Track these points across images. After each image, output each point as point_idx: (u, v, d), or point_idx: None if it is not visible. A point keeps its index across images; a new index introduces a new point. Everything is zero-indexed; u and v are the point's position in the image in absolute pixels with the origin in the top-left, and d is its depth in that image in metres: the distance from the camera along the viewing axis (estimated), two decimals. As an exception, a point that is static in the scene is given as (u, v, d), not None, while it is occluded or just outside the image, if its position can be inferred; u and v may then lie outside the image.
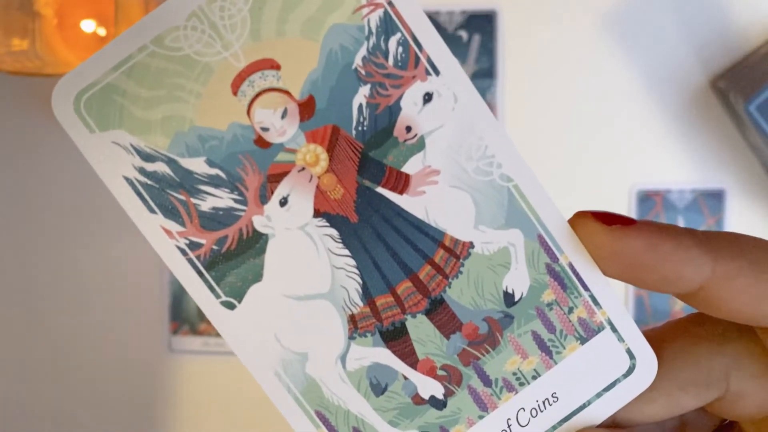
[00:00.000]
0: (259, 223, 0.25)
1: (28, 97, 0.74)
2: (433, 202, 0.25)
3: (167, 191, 0.24)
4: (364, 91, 0.25)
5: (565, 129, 0.70)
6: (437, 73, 0.25)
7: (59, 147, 0.74)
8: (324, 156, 0.25)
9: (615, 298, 0.26)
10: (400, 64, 0.25)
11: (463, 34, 0.70)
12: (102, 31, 0.67)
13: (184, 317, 0.74)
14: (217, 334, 0.73)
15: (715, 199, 0.69)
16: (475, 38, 0.70)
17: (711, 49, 0.69)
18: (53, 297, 0.75)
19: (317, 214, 0.25)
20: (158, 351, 0.75)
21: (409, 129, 0.25)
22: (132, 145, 0.24)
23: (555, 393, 0.26)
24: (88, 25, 0.66)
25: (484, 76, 0.70)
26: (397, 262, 0.25)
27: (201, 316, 0.74)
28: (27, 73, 0.64)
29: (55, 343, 0.76)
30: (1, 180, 0.75)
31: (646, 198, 0.69)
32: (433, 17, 0.70)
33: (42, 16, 0.62)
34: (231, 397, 0.75)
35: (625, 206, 0.70)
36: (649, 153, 0.70)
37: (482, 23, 0.70)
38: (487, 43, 0.70)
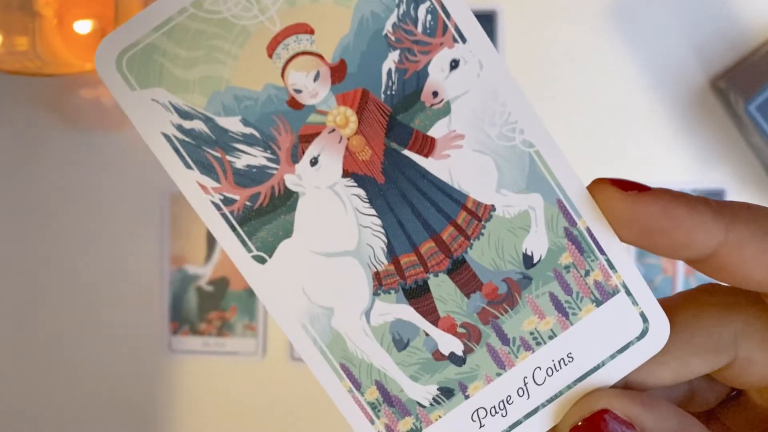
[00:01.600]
0: (291, 181, 0.26)
1: (28, 97, 0.74)
2: (457, 165, 0.26)
3: (203, 148, 0.25)
4: (394, 56, 0.26)
5: (564, 129, 0.70)
6: (464, 40, 0.26)
7: (59, 147, 0.74)
8: (354, 118, 0.26)
9: (630, 262, 0.27)
10: (428, 31, 0.26)
11: (465, 33, 0.71)
12: (102, 32, 0.67)
13: (184, 317, 0.74)
14: (218, 334, 0.73)
15: (715, 198, 0.69)
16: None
17: (711, 49, 0.69)
18: (53, 297, 0.75)
19: (346, 174, 0.26)
20: (158, 351, 0.75)
21: (435, 94, 0.26)
22: (171, 103, 0.25)
23: (570, 353, 0.27)
24: (88, 26, 0.67)
25: (486, 75, 0.70)
26: (421, 223, 0.26)
27: (201, 316, 0.74)
28: (27, 73, 0.64)
29: (55, 343, 0.75)
30: (0, 180, 0.75)
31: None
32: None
33: (42, 16, 0.63)
34: (231, 397, 0.75)
35: (625, 203, 0.70)
36: (649, 153, 0.71)
37: (482, 23, 0.70)
38: (489, 42, 0.70)
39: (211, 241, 0.73)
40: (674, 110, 0.70)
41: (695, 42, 0.69)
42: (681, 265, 0.71)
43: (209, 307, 0.74)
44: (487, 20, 0.71)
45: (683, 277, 0.71)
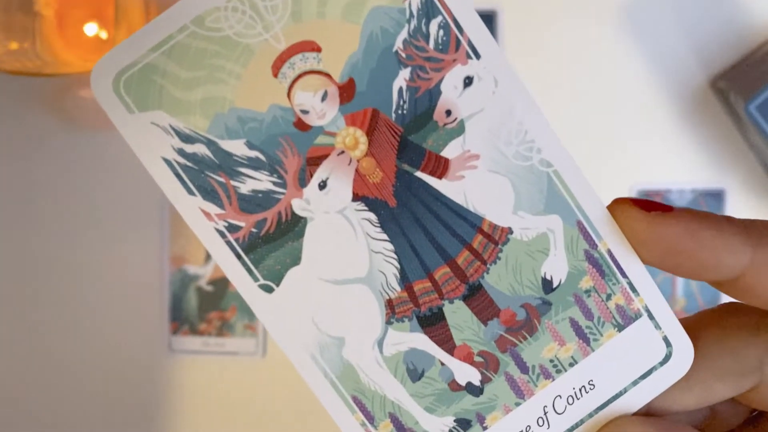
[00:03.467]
0: (298, 206, 0.25)
1: (28, 97, 0.73)
2: (472, 186, 0.25)
3: (206, 173, 0.24)
4: (405, 74, 0.24)
5: (565, 129, 0.70)
6: (478, 56, 0.25)
7: (59, 147, 0.74)
8: (363, 139, 0.24)
9: (652, 285, 0.26)
10: (440, 47, 0.24)
11: (463, 33, 0.70)
12: (102, 33, 0.67)
13: (184, 317, 0.74)
14: (218, 334, 0.73)
15: (715, 199, 0.69)
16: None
17: (711, 49, 0.69)
18: (53, 297, 0.75)
19: (356, 197, 0.25)
20: (158, 351, 0.74)
21: (449, 113, 0.25)
22: (171, 126, 0.24)
23: (592, 380, 0.26)
24: (88, 26, 0.66)
25: (483, 75, 0.70)
26: (435, 247, 0.25)
27: (201, 316, 0.73)
28: (27, 73, 0.64)
29: (54, 343, 0.75)
30: (0, 180, 0.75)
31: (645, 198, 0.69)
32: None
33: (42, 16, 0.62)
34: (231, 397, 0.75)
35: (625, 205, 0.70)
36: (650, 153, 0.70)
37: (482, 23, 0.70)
38: (487, 42, 0.70)
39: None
40: (674, 110, 0.70)
41: (695, 42, 0.69)
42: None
43: (209, 307, 0.73)
44: (487, 20, 0.70)
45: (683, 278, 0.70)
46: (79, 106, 0.71)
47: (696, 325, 0.27)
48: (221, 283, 0.73)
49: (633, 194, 0.70)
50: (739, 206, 0.69)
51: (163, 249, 0.74)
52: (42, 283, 0.75)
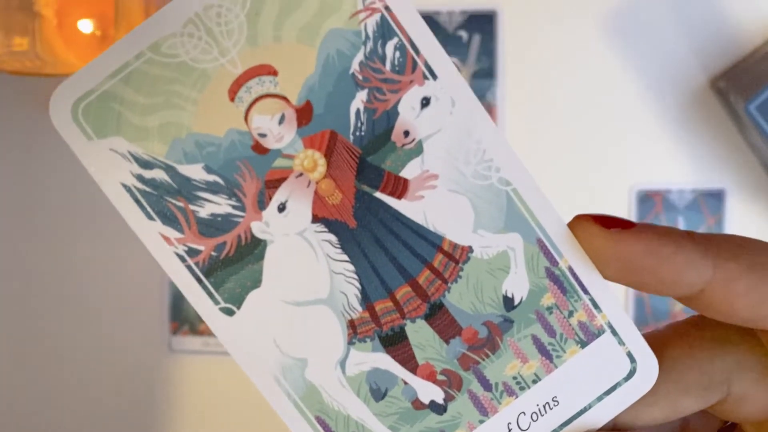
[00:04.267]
0: (258, 229, 0.25)
1: (28, 97, 0.74)
2: (432, 206, 0.25)
3: (165, 198, 0.24)
4: (362, 96, 0.24)
5: (565, 129, 0.70)
6: (434, 77, 0.25)
7: (59, 147, 0.74)
8: (322, 161, 0.25)
9: (615, 301, 0.26)
10: (397, 68, 0.24)
11: (463, 34, 0.70)
12: (102, 33, 0.67)
13: (184, 317, 0.74)
14: (217, 335, 0.73)
15: (715, 199, 0.69)
16: (475, 38, 0.70)
17: (711, 49, 0.69)
18: (53, 297, 0.75)
19: (316, 219, 0.25)
20: (158, 351, 0.75)
21: (407, 133, 0.25)
22: (130, 152, 0.24)
23: (556, 397, 0.26)
24: (88, 26, 0.66)
25: (484, 76, 0.70)
26: (396, 267, 0.25)
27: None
28: (27, 73, 0.64)
29: (54, 343, 0.76)
30: (0, 180, 0.75)
31: (646, 198, 0.69)
32: (433, 17, 0.70)
33: (42, 16, 0.62)
34: (231, 397, 0.75)
35: (625, 206, 0.70)
36: (649, 153, 0.70)
37: (482, 23, 0.70)
38: (487, 43, 0.70)
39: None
40: (674, 110, 0.69)
41: (695, 42, 0.69)
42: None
43: None
44: (487, 20, 0.70)
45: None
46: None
47: (662, 339, 0.27)
48: (221, 284, 0.73)
49: (633, 195, 0.69)
50: (739, 206, 0.69)
51: (164, 249, 0.74)
52: (42, 283, 0.76)
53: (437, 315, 0.26)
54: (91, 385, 0.76)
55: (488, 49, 0.70)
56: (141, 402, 0.76)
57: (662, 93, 0.70)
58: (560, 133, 0.70)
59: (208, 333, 0.74)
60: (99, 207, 0.74)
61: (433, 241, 0.25)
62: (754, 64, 0.66)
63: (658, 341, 0.27)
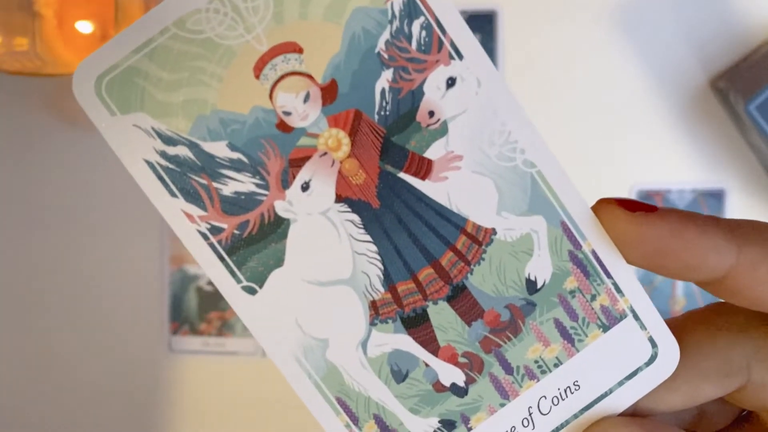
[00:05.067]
0: (281, 207, 0.24)
1: (28, 97, 0.74)
2: (456, 187, 0.25)
3: (188, 175, 0.24)
4: (387, 75, 0.24)
5: (565, 129, 0.70)
6: (460, 57, 0.25)
7: (59, 147, 0.74)
8: (346, 141, 0.24)
9: (637, 285, 0.26)
10: (423, 48, 0.24)
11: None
12: (101, 32, 0.67)
13: (184, 317, 0.74)
14: (218, 334, 0.73)
15: (715, 199, 0.69)
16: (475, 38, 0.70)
17: (711, 49, 0.69)
18: (53, 297, 0.75)
19: (339, 199, 0.25)
20: (158, 351, 0.75)
21: (432, 114, 0.25)
22: (153, 129, 0.24)
23: (577, 381, 0.26)
24: (88, 26, 0.66)
25: (483, 76, 0.70)
26: (419, 249, 0.25)
27: (201, 316, 0.74)
28: (27, 73, 0.64)
29: (54, 343, 0.75)
30: (0, 180, 0.75)
31: (646, 198, 0.69)
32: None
33: (42, 16, 0.62)
34: (231, 397, 0.75)
35: (625, 206, 0.70)
36: (649, 153, 0.70)
37: (482, 23, 0.70)
38: (487, 43, 0.70)
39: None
40: (674, 110, 0.70)
41: (695, 42, 0.69)
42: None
43: (209, 307, 0.74)
44: (487, 20, 0.70)
45: (684, 279, 0.70)
46: (79, 106, 0.71)
47: (683, 326, 0.27)
48: (222, 284, 0.73)
49: (633, 194, 0.69)
50: (739, 206, 0.69)
51: (163, 249, 0.74)
52: (42, 283, 0.75)
53: (459, 297, 0.25)
54: (91, 385, 0.76)
55: (488, 49, 0.70)
56: (141, 402, 0.76)
57: (662, 93, 0.70)
58: (560, 133, 0.70)
59: (208, 333, 0.74)
60: (99, 207, 0.75)
61: (456, 222, 0.25)
62: (754, 64, 0.66)
63: (677, 328, 0.27)
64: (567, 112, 0.70)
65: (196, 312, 0.74)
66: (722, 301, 0.27)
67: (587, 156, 0.70)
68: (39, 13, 0.62)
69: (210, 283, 0.73)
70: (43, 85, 0.73)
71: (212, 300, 0.74)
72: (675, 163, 0.70)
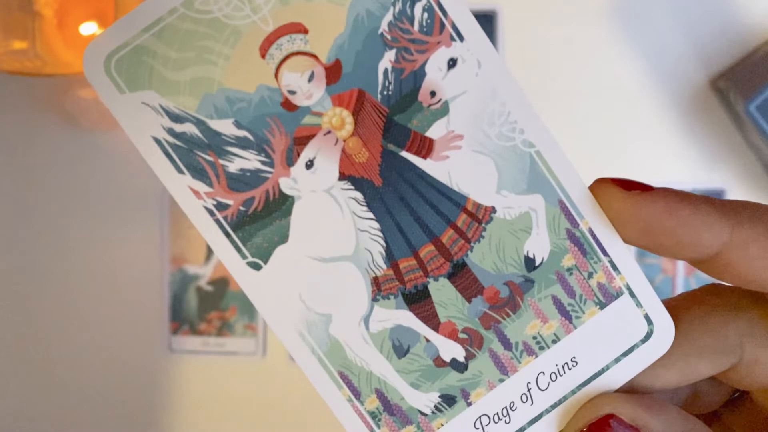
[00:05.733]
0: (286, 185, 0.25)
1: (28, 97, 0.74)
2: (457, 166, 0.26)
3: (195, 152, 0.25)
4: (390, 56, 0.25)
5: (564, 129, 0.70)
6: (461, 39, 0.25)
7: (59, 147, 0.74)
8: (350, 120, 0.25)
9: (633, 264, 0.26)
10: (425, 29, 0.25)
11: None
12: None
13: (184, 317, 0.74)
14: (217, 334, 0.73)
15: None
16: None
17: (711, 49, 0.69)
18: (53, 297, 0.75)
19: (342, 177, 0.25)
20: (158, 351, 0.75)
21: (433, 94, 0.25)
22: (161, 106, 0.24)
23: (574, 357, 0.26)
24: (88, 26, 0.67)
25: (484, 77, 0.70)
26: (421, 226, 0.26)
27: (201, 316, 0.74)
28: (27, 73, 0.64)
29: (54, 343, 0.76)
30: (0, 180, 0.75)
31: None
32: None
33: (42, 16, 0.62)
34: (231, 397, 0.75)
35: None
36: (649, 153, 0.71)
37: (482, 23, 0.70)
38: (488, 43, 0.70)
39: (211, 242, 0.73)
40: (674, 110, 0.70)
41: (695, 42, 0.69)
42: (681, 266, 0.70)
43: (209, 307, 0.74)
44: (487, 20, 0.71)
45: (683, 277, 0.70)
46: (79, 106, 0.71)
47: (678, 306, 0.27)
48: (221, 283, 0.74)
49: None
50: (739, 205, 0.69)
51: (163, 249, 0.74)
52: (42, 283, 0.75)
53: (460, 274, 0.26)
54: (91, 385, 0.76)
55: (489, 50, 0.70)
56: (141, 402, 0.76)
57: (662, 93, 0.70)
58: (559, 133, 0.70)
59: (208, 333, 0.74)
60: (99, 207, 0.75)
61: (457, 201, 0.26)
62: (754, 64, 0.66)
63: (673, 308, 0.27)
64: (566, 111, 0.71)
65: (196, 312, 0.74)
66: (716, 282, 0.27)
67: (587, 156, 0.70)
68: (39, 13, 0.62)
69: (210, 283, 0.74)
70: (43, 85, 0.73)
71: (212, 300, 0.74)
72: (675, 162, 0.70)
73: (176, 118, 0.24)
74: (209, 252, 0.73)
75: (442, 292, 0.26)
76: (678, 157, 0.70)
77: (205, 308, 0.74)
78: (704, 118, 0.70)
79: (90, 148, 0.74)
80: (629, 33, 0.70)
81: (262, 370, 0.74)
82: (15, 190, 0.75)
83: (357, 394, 0.26)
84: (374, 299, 0.26)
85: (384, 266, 0.26)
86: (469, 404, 0.26)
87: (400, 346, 0.26)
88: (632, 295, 0.26)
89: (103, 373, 0.76)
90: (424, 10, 0.25)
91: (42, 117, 0.74)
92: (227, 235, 0.25)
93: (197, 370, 0.75)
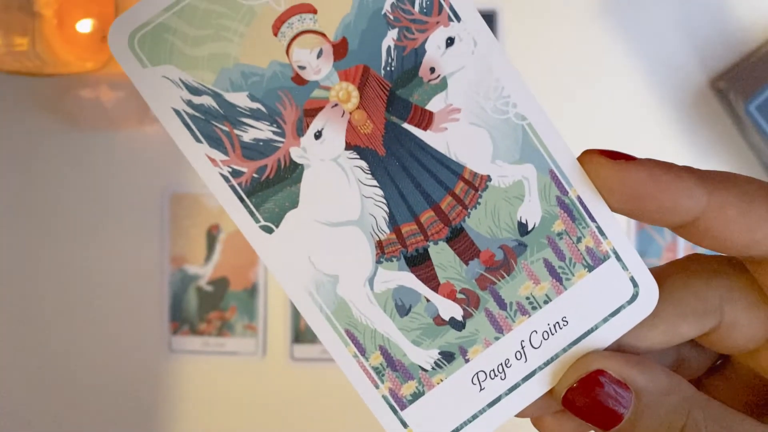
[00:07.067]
0: (296, 154, 0.27)
1: (28, 97, 0.75)
2: (454, 137, 0.27)
3: (212, 122, 0.27)
4: (393, 34, 0.27)
5: (564, 128, 0.71)
6: (459, 19, 0.27)
7: (59, 147, 0.75)
8: (355, 93, 0.27)
9: (619, 229, 0.28)
10: (425, 10, 0.27)
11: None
12: (101, 32, 0.68)
13: (184, 317, 0.75)
14: (217, 334, 0.74)
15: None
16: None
17: (711, 49, 0.70)
18: (53, 297, 0.76)
19: (348, 147, 0.27)
20: (158, 351, 0.75)
21: (433, 70, 0.27)
22: (181, 79, 0.26)
23: (565, 317, 0.28)
24: (88, 26, 0.68)
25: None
26: (421, 193, 0.28)
27: (201, 316, 0.74)
28: (27, 73, 0.66)
29: (54, 343, 0.76)
30: (0, 180, 0.76)
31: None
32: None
33: (42, 16, 0.64)
34: (231, 397, 0.76)
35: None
36: (649, 153, 0.71)
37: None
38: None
39: (210, 241, 0.74)
40: (674, 110, 0.71)
41: (695, 42, 0.70)
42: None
43: (209, 307, 0.75)
44: (487, 20, 0.71)
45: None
46: (79, 106, 0.72)
47: (662, 272, 0.29)
48: (221, 283, 0.74)
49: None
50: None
51: (163, 249, 0.75)
52: (42, 283, 0.76)
53: (458, 238, 0.28)
54: (91, 385, 0.76)
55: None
56: (141, 402, 0.76)
57: (662, 93, 0.71)
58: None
59: (208, 333, 0.74)
60: (99, 207, 0.75)
61: (455, 169, 0.28)
62: (754, 64, 0.68)
63: (659, 273, 0.29)
64: (566, 111, 0.72)
65: (196, 312, 0.74)
66: (699, 252, 0.29)
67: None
68: (39, 13, 0.64)
69: (210, 283, 0.74)
70: (43, 85, 0.74)
71: (212, 300, 0.74)
72: (674, 162, 0.70)
73: (195, 91, 0.26)
74: (209, 252, 0.74)
75: (442, 255, 0.28)
76: (678, 157, 0.71)
77: (205, 308, 0.74)
78: (704, 118, 0.71)
79: (90, 148, 0.75)
80: (629, 33, 0.71)
81: (262, 370, 0.75)
82: (14, 190, 0.76)
83: (362, 350, 0.28)
84: (378, 261, 0.28)
85: (387, 230, 0.28)
86: (467, 361, 0.28)
87: (402, 306, 0.28)
88: (618, 258, 0.28)
89: (103, 373, 0.76)
90: None
91: (42, 117, 0.75)
92: (241, 200, 0.27)
93: (197, 370, 0.75)
